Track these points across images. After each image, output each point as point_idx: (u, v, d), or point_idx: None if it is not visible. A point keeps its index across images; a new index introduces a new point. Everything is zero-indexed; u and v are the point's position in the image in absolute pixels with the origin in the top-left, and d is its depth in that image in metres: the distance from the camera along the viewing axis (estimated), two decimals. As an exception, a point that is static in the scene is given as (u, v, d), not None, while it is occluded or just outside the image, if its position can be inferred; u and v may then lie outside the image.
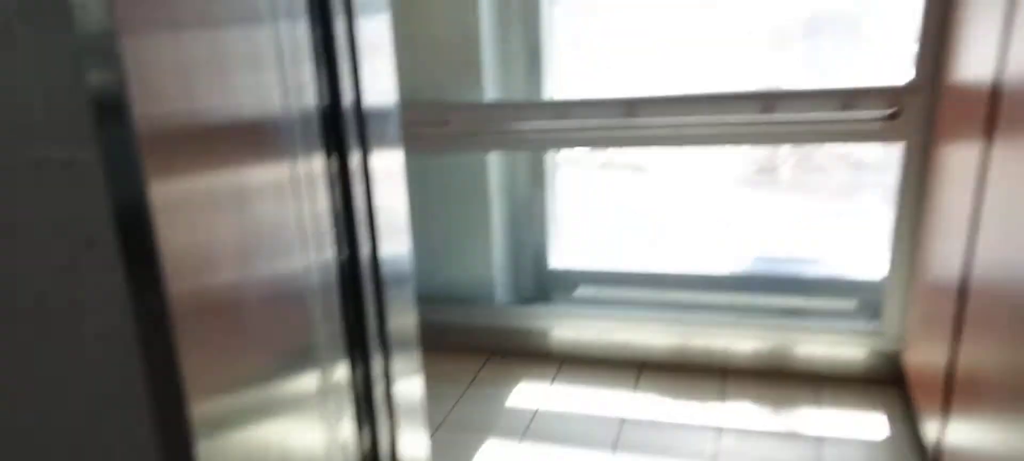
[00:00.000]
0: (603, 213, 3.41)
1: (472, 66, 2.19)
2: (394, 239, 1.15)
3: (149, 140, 0.66)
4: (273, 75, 0.84)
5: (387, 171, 1.11)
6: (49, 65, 0.65)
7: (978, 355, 1.41)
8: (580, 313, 2.34)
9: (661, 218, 3.51)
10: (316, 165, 0.94)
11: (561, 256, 2.49)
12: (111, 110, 0.64)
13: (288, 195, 0.88)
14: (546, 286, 2.49)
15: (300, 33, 0.89)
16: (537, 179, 2.39)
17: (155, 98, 0.67)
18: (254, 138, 0.82)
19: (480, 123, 2.20)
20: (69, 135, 0.66)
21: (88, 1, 0.61)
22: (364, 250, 1.06)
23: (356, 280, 1.05)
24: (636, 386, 2.10)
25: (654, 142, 2.18)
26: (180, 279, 0.70)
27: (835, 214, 3.74)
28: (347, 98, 0.98)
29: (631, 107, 2.12)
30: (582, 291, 2.47)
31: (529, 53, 2.29)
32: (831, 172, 4.79)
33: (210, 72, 0.74)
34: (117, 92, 0.63)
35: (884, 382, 2.04)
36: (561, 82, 2.38)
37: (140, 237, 0.67)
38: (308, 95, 0.91)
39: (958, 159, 1.65)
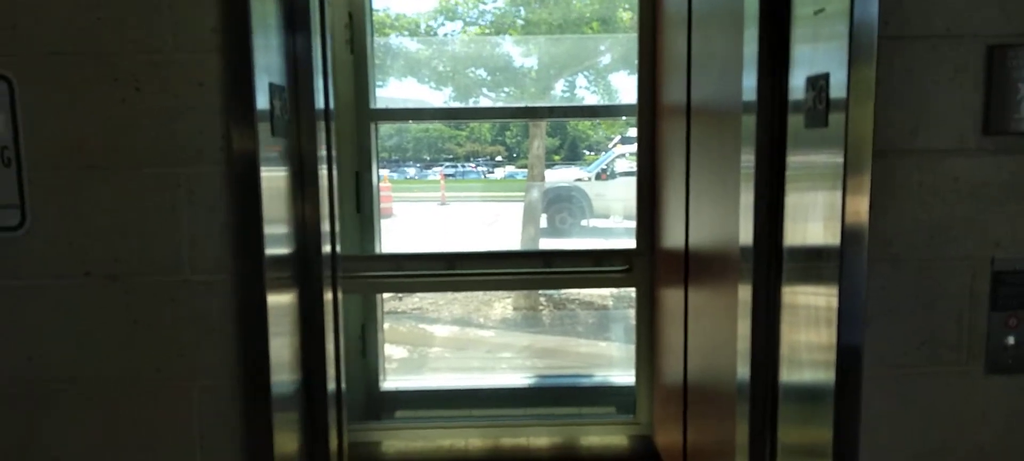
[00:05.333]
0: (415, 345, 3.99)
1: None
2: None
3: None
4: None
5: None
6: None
7: (697, 432, 2.20)
8: (408, 426, 2.82)
9: (461, 349, 4.15)
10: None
11: (390, 380, 2.98)
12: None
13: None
14: (377, 406, 2.93)
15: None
16: (370, 317, 2.89)
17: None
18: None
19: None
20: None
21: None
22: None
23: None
24: (462, 482, 2.63)
25: (467, 288, 2.84)
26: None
27: (587, 343, 4.69)
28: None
29: (451, 260, 2.78)
30: (403, 412, 2.95)
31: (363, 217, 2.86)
32: (579, 316, 5.87)
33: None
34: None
35: (643, 456, 2.82)
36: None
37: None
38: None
39: (670, 299, 2.53)
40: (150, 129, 1.21)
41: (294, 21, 1.36)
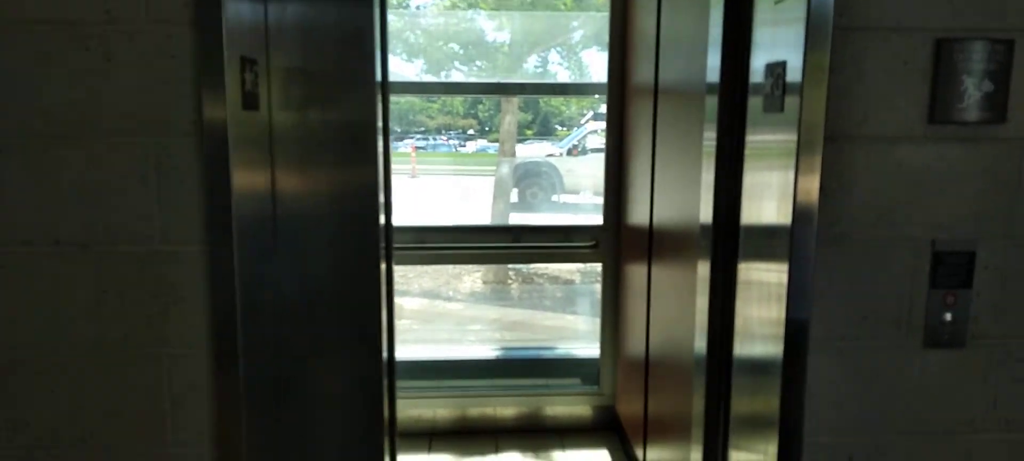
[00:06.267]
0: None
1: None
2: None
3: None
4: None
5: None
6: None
7: (657, 403, 2.28)
8: (378, 398, 2.86)
9: (429, 321, 4.19)
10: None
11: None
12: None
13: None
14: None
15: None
16: (340, 289, 2.91)
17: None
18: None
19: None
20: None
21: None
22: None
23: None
24: (429, 450, 2.68)
25: (438, 261, 2.87)
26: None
27: (553, 317, 4.77)
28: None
29: (422, 234, 2.81)
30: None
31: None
32: (547, 290, 5.95)
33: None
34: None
35: (606, 427, 2.91)
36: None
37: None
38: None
39: (635, 274, 2.60)
40: (121, 99, 1.22)
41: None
